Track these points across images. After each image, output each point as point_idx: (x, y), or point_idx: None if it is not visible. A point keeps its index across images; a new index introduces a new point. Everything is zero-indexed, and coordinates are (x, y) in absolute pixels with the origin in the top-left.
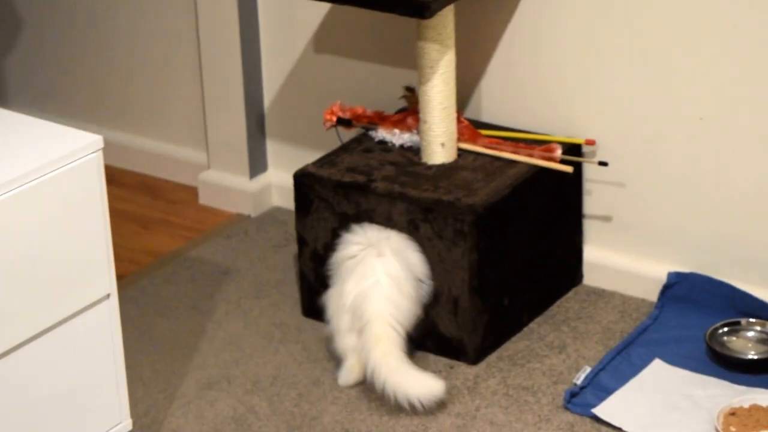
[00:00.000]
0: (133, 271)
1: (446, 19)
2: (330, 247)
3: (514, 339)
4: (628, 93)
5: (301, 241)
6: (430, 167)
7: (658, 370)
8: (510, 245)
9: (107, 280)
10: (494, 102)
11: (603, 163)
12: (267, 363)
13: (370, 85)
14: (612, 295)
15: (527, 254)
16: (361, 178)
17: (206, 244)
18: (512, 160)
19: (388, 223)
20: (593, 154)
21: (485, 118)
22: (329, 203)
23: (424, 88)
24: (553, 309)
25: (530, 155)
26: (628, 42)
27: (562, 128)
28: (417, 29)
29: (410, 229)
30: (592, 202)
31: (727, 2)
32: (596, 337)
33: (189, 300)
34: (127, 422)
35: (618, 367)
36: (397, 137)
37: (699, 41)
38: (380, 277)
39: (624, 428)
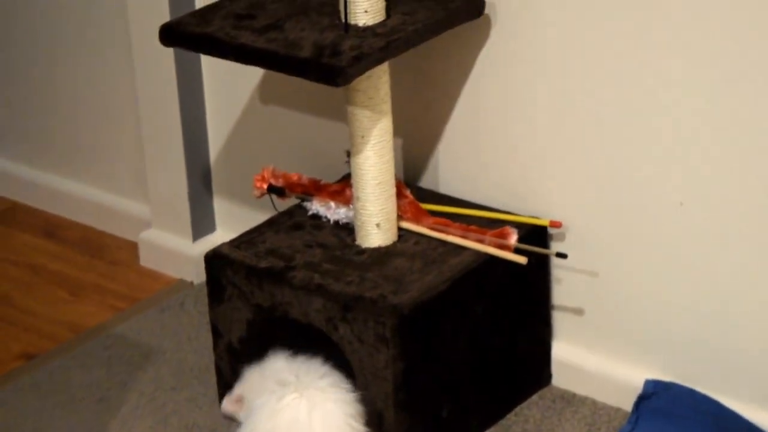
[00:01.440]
0: (47, 350)
1: (379, 81)
2: (246, 342)
3: None
4: (602, 170)
5: (216, 332)
6: (363, 251)
7: None
8: (450, 348)
9: None
10: (453, 171)
11: (562, 255)
12: None
13: (324, 139)
14: (583, 401)
15: (475, 356)
16: (278, 264)
17: (135, 318)
18: (459, 245)
19: (305, 318)
20: (561, 236)
21: (443, 189)
22: (242, 291)
23: (356, 160)
24: (511, 417)
25: (480, 240)
26: (605, 113)
27: (527, 205)
28: (344, 92)
29: (329, 328)
30: (561, 292)
31: (706, 80)
32: None
33: (98, 390)
34: None
35: None
36: (332, 212)
37: (680, 120)
38: None
39: None
